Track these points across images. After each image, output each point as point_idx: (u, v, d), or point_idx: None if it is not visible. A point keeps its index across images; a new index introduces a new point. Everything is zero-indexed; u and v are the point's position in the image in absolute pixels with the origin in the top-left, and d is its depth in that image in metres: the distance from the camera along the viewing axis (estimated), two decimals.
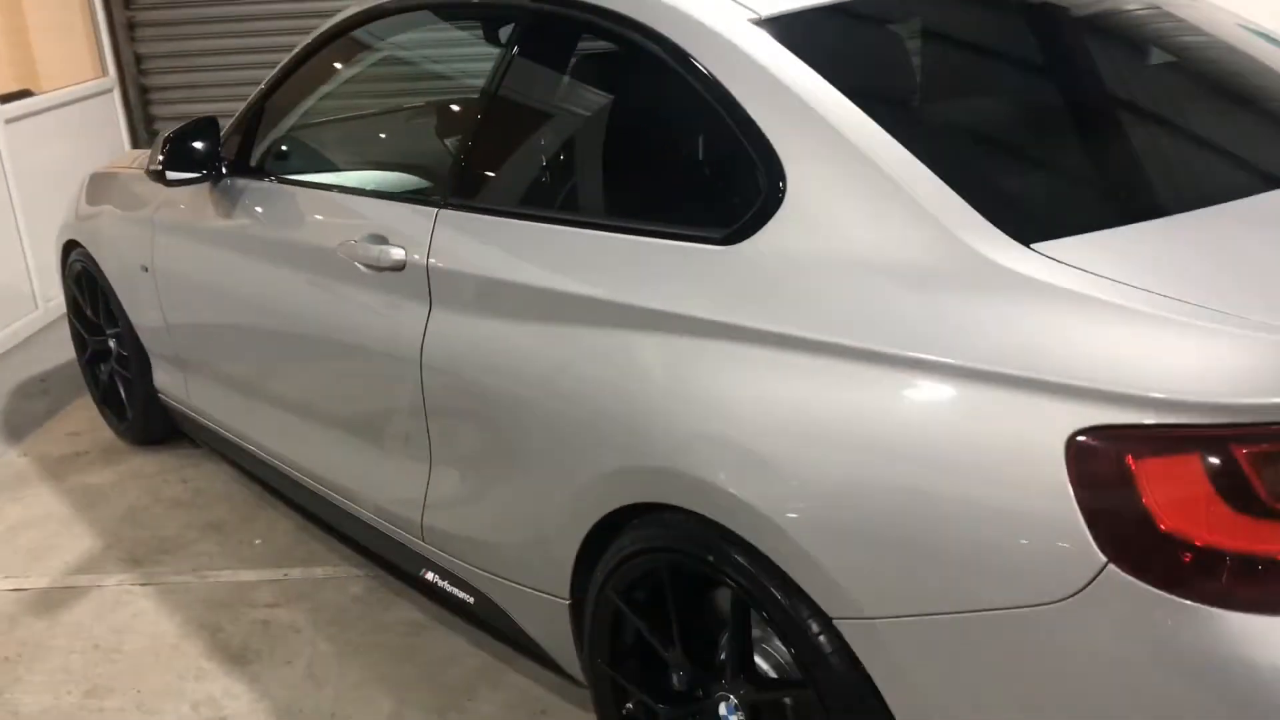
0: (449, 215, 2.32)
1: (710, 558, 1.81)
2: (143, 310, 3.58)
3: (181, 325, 3.37)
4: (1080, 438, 1.41)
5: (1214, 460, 1.35)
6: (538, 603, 2.28)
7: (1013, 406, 1.47)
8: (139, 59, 6.19)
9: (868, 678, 1.64)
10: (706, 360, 1.80)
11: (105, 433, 4.12)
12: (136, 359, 3.75)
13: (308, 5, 6.06)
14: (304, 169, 2.95)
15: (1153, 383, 1.39)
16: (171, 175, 2.95)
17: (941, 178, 1.67)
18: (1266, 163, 1.90)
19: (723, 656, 1.95)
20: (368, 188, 2.74)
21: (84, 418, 4.27)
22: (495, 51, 2.44)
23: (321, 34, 2.88)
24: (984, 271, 1.57)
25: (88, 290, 3.94)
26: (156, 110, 6.30)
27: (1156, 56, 2.19)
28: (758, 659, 1.91)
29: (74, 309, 4.11)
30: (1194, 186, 1.82)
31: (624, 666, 2.10)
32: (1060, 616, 1.42)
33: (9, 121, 5.15)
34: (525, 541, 2.25)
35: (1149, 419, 1.38)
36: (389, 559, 2.78)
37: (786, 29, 1.94)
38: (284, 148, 2.99)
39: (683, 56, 1.96)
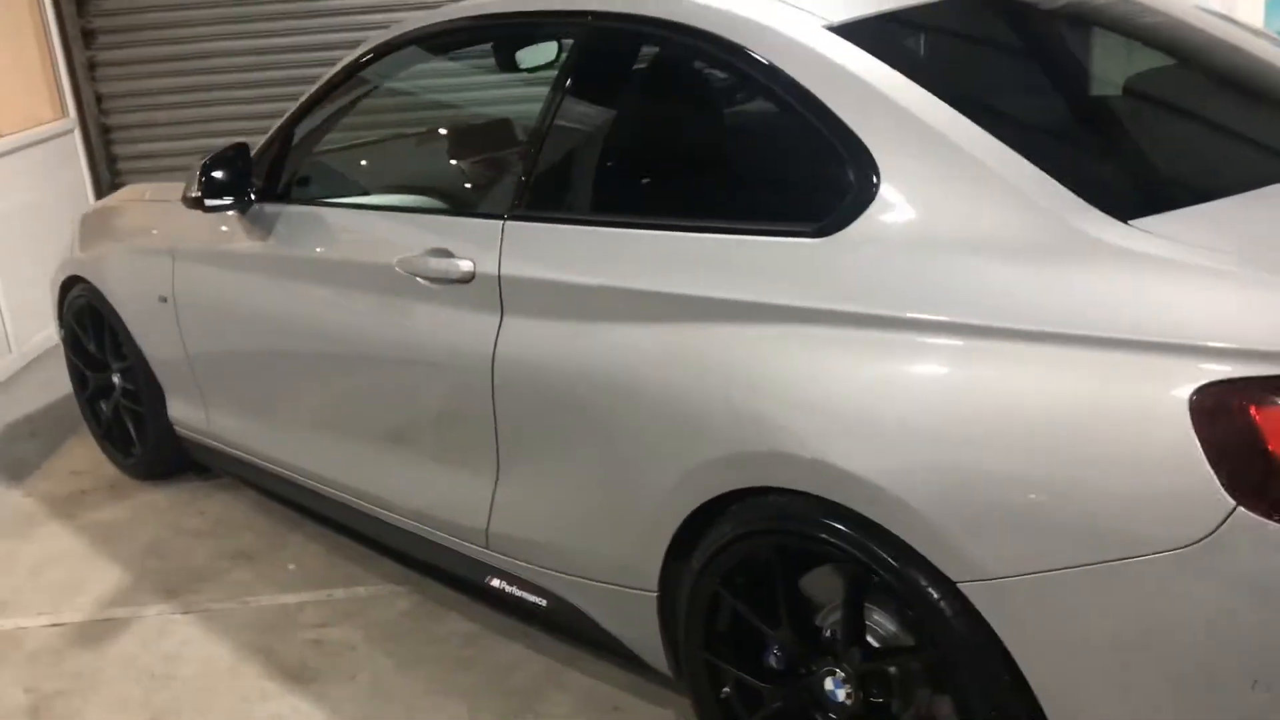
0: (518, 226, 2.39)
1: (822, 535, 1.90)
2: (158, 342, 3.58)
3: (206, 354, 3.38)
4: (1203, 392, 1.53)
5: None
6: (622, 598, 2.34)
7: (1134, 369, 1.59)
8: (100, 98, 6.15)
9: (993, 638, 1.74)
10: (808, 346, 1.90)
11: (108, 470, 4.09)
12: (148, 392, 3.73)
13: (267, 41, 6.08)
14: (343, 192, 3.00)
15: (1266, 337, 1.52)
16: (210, 203, 2.97)
17: (1034, 163, 1.79)
18: None
19: (829, 633, 2.03)
20: (415, 206, 2.79)
21: (83, 456, 4.22)
22: (520, 72, 2.54)
23: (354, 60, 2.94)
24: (1089, 247, 1.69)
25: (92, 326, 3.91)
26: (118, 149, 6.25)
27: (1198, 54, 2.36)
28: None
29: (74, 346, 4.07)
30: (1255, 167, 1.97)
31: (721, 652, 2.17)
32: (1193, 560, 1.54)
33: None
34: (609, 539, 2.32)
35: (1267, 371, 1.51)
36: (447, 569, 2.82)
37: (858, 33, 2.05)
38: (321, 172, 3.03)
39: (763, 65, 2.07)
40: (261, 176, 3.09)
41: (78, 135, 6.13)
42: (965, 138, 1.85)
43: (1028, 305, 1.70)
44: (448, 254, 2.51)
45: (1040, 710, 1.74)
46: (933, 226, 1.85)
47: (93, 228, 3.94)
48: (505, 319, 2.40)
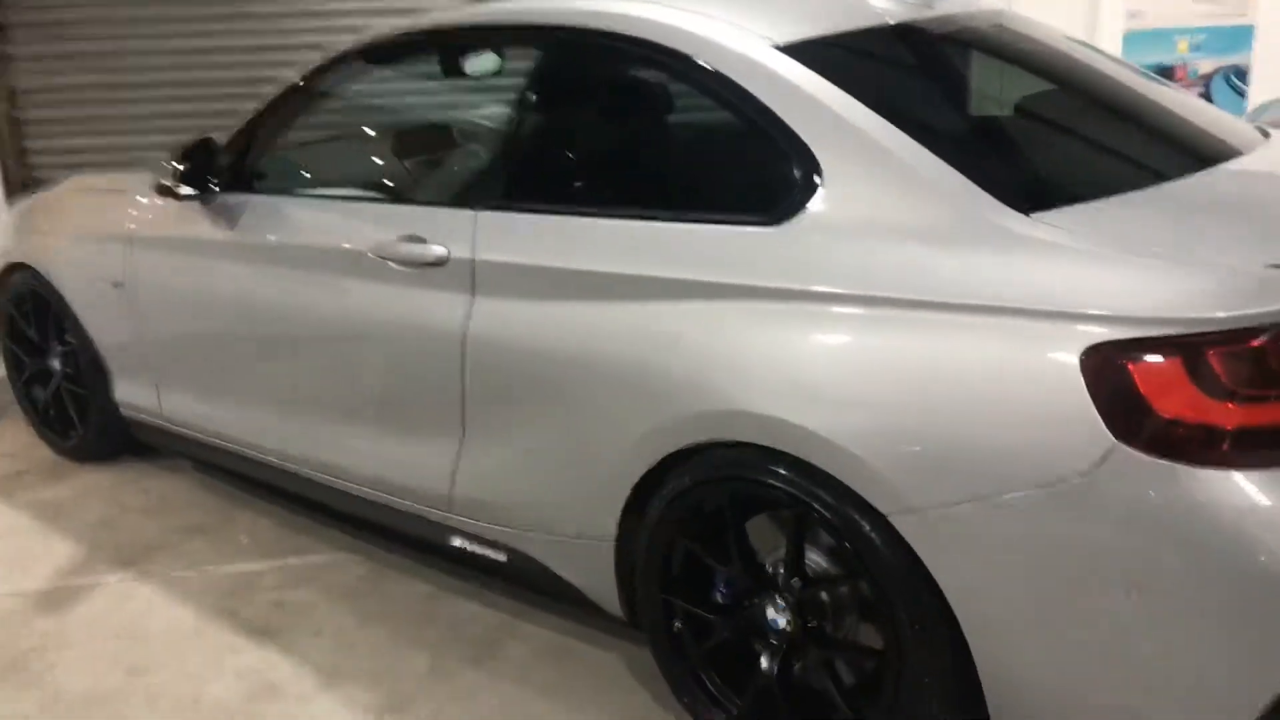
0: (491, 216, 2.66)
1: (770, 480, 2.22)
2: (109, 326, 3.72)
3: (162, 337, 3.54)
4: (1090, 352, 1.90)
5: (1187, 359, 1.86)
6: (581, 549, 2.62)
7: (1034, 333, 1.95)
8: (13, 93, 6.16)
9: (917, 564, 2.07)
10: (759, 318, 2.22)
11: (42, 452, 4.19)
12: (93, 375, 3.87)
13: (186, 42, 6.18)
14: (309, 186, 3.22)
15: (1139, 307, 1.89)
16: (183, 190, 3.16)
17: (952, 165, 2.15)
18: (1177, 153, 2.49)
19: (770, 569, 2.35)
20: (383, 198, 3.04)
21: (13, 439, 4.31)
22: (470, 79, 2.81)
23: (323, 62, 3.17)
24: (997, 234, 2.06)
25: (34, 312, 4.02)
26: (31, 144, 6.27)
27: (1086, 77, 2.79)
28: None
29: (11, 332, 4.17)
30: (1130, 174, 2.37)
31: (674, 591, 2.47)
32: (1082, 486, 1.89)
33: None
34: (570, 495, 2.59)
35: (1140, 333, 1.88)
36: (409, 532, 3.06)
37: (802, 53, 2.39)
38: (288, 166, 3.24)
39: (722, 78, 2.39)
40: (228, 168, 3.28)
41: None
42: (894, 143, 2.20)
43: (946, 282, 2.05)
44: (420, 240, 2.76)
45: (958, 626, 2.08)
46: (866, 217, 2.19)
47: (36, 217, 4.06)
48: (478, 299, 2.67)
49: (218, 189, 3.29)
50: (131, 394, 3.77)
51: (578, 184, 2.73)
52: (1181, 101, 2.82)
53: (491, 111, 3.53)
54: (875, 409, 2.07)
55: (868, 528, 2.12)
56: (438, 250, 2.72)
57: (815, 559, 2.32)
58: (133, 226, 3.57)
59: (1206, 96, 7.08)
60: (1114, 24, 6.91)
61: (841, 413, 2.09)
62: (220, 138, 3.33)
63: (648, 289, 2.38)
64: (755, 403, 2.19)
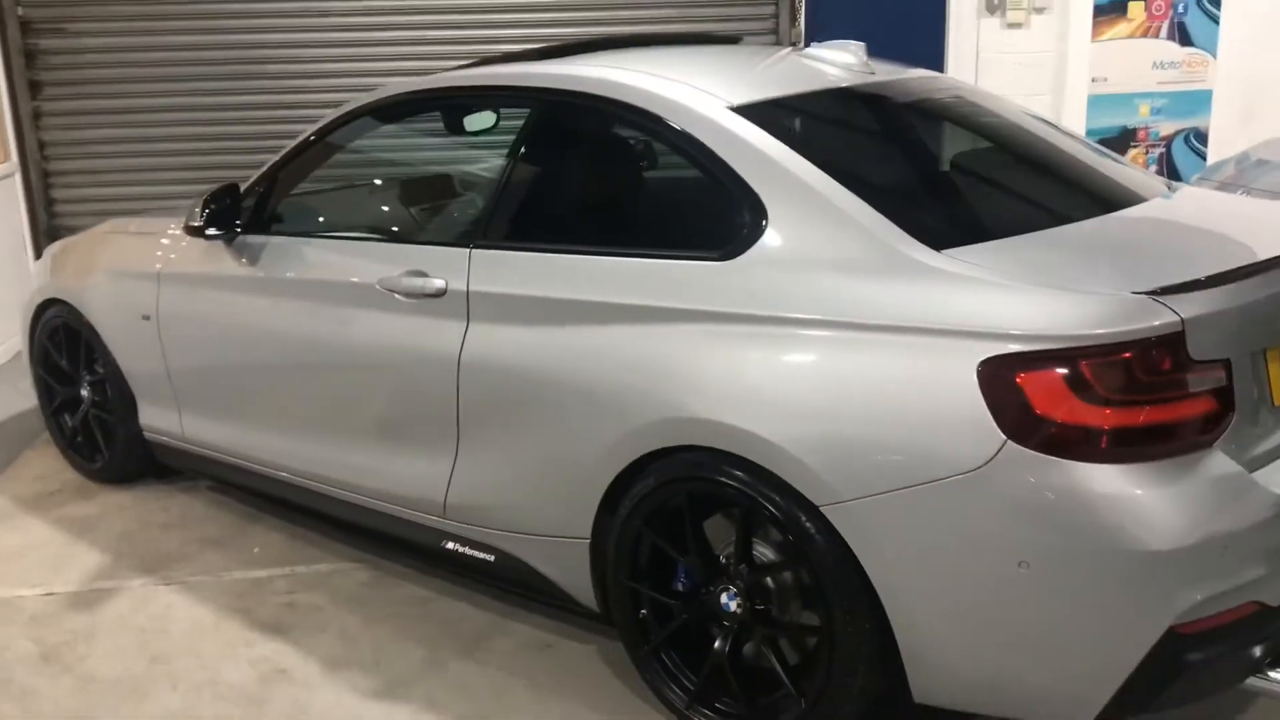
0: (484, 253, 3.03)
1: (723, 479, 2.56)
2: (136, 356, 4.08)
3: (186, 365, 3.90)
4: (985, 364, 2.25)
5: (1066, 370, 2.21)
6: (560, 547, 2.96)
7: (940, 348, 2.30)
8: (42, 145, 6.57)
9: (847, 550, 2.41)
10: (714, 338, 2.58)
11: (71, 474, 4.52)
12: (120, 402, 4.21)
13: (203, 100, 6.60)
14: (323, 228, 3.59)
15: (1026, 326, 2.25)
16: (210, 231, 3.54)
17: (876, 210, 2.52)
18: (1082, 201, 2.87)
19: (724, 560, 2.69)
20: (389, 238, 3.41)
21: (46, 463, 4.64)
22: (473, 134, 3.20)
23: (338, 116, 3.56)
24: (912, 267, 2.42)
25: (65, 343, 4.38)
26: (57, 194, 6.67)
27: (1005, 135, 3.17)
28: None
29: (44, 363, 4.52)
30: (1034, 217, 2.74)
31: (640, 580, 2.80)
32: (979, 478, 2.24)
33: None
34: (551, 498, 2.93)
35: (1024, 348, 2.23)
36: (406, 538, 3.39)
37: (753, 112, 2.78)
38: (304, 210, 3.62)
39: (681, 133, 2.78)
40: (250, 211, 3.66)
41: (18, 179, 6.54)
42: (829, 191, 2.57)
43: (869, 306, 2.41)
44: (423, 274, 3.13)
45: (882, 607, 2.41)
46: (804, 253, 2.56)
47: (71, 257, 4.43)
48: (471, 326, 3.03)
49: (240, 230, 3.66)
50: (155, 418, 4.11)
51: (560, 225, 3.10)
52: (1100, 160, 3.20)
53: (486, 162, 3.93)
54: (808, 414, 2.42)
55: (805, 520, 2.46)
56: (437, 283, 3.08)
57: (762, 551, 2.66)
58: (161, 265, 3.94)
59: (1168, 157, 7.51)
60: (1079, 88, 7.34)
61: (779, 417, 2.44)
62: (243, 184, 3.71)
63: (617, 314, 2.74)
64: (706, 410, 2.55)
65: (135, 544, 3.94)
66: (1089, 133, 7.39)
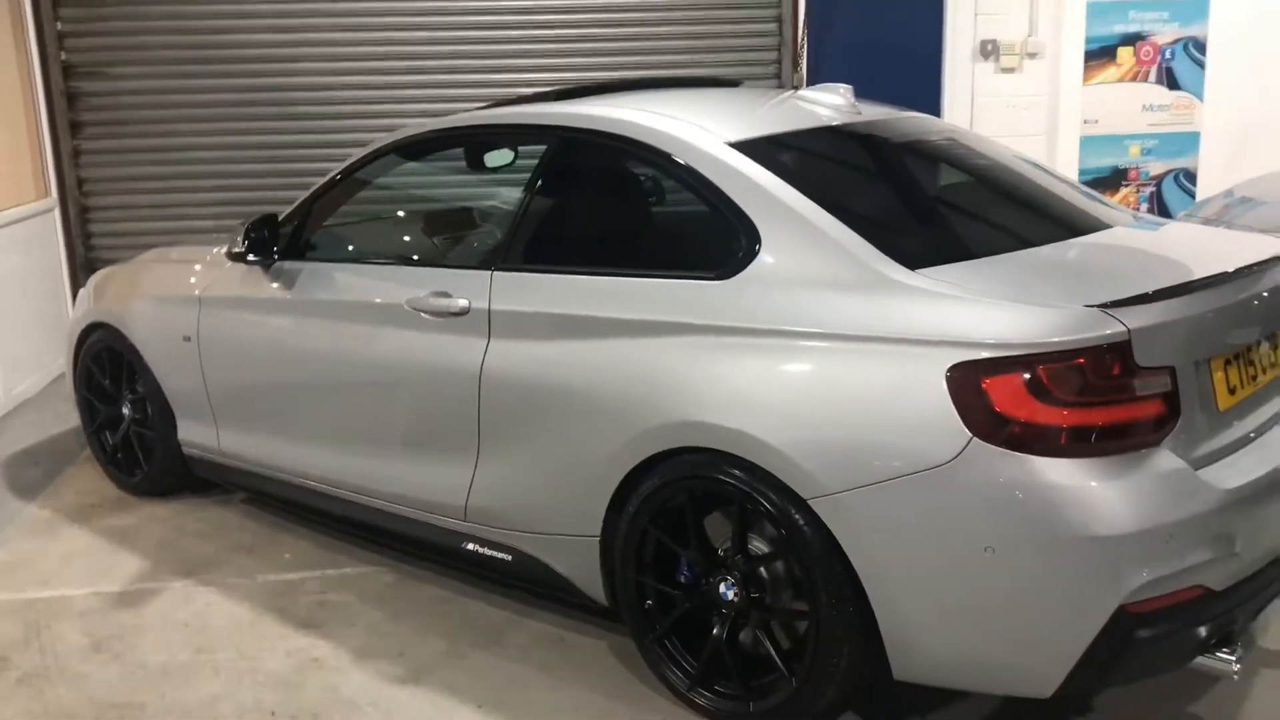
0: (503, 275, 3.32)
1: (721, 477, 2.82)
2: (177, 375, 4.37)
3: (224, 383, 4.18)
4: (953, 369, 2.52)
5: (1026, 375, 2.48)
6: (572, 544, 3.22)
7: (914, 356, 2.57)
8: (81, 182, 6.92)
9: (832, 541, 2.67)
10: (713, 349, 2.85)
11: (111, 489, 4.80)
12: (160, 419, 4.50)
13: (235, 139, 6.95)
14: (354, 255, 3.89)
15: (989, 336, 2.52)
16: (251, 257, 3.85)
17: (858, 234, 2.80)
18: (1049, 227, 3.16)
19: (722, 552, 2.94)
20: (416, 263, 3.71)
21: (86, 479, 4.93)
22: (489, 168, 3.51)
23: (368, 152, 3.87)
24: (890, 284, 2.70)
25: (109, 365, 4.68)
26: (94, 228, 7.00)
27: (980, 168, 3.46)
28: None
29: (87, 383, 4.82)
30: (1002, 241, 3.02)
31: (646, 573, 3.06)
32: (948, 471, 2.50)
33: None
34: (565, 499, 3.19)
35: (988, 355, 2.51)
36: (429, 540, 3.65)
37: (749, 148, 3.07)
38: (337, 238, 3.93)
39: (684, 166, 3.08)
40: (287, 239, 3.96)
41: (57, 214, 6.87)
42: (815, 217, 2.86)
43: (851, 319, 2.69)
44: (447, 295, 3.42)
45: (863, 590, 2.66)
46: (794, 272, 2.84)
47: (113, 285, 4.74)
48: (492, 341, 3.31)
49: (278, 257, 3.96)
50: (194, 434, 4.39)
51: (574, 249, 3.40)
52: (1070, 192, 3.49)
53: (502, 196, 4.24)
54: (798, 416, 2.69)
55: (795, 513, 2.72)
56: (461, 302, 3.37)
57: (757, 544, 2.91)
58: (201, 289, 4.24)
59: (1158, 196, 7.80)
60: (1071, 130, 7.64)
61: (772, 419, 2.71)
62: (280, 214, 4.02)
63: (625, 329, 3.02)
64: (707, 414, 2.82)
65: (174, 550, 4.21)
66: (1082, 172, 7.70)
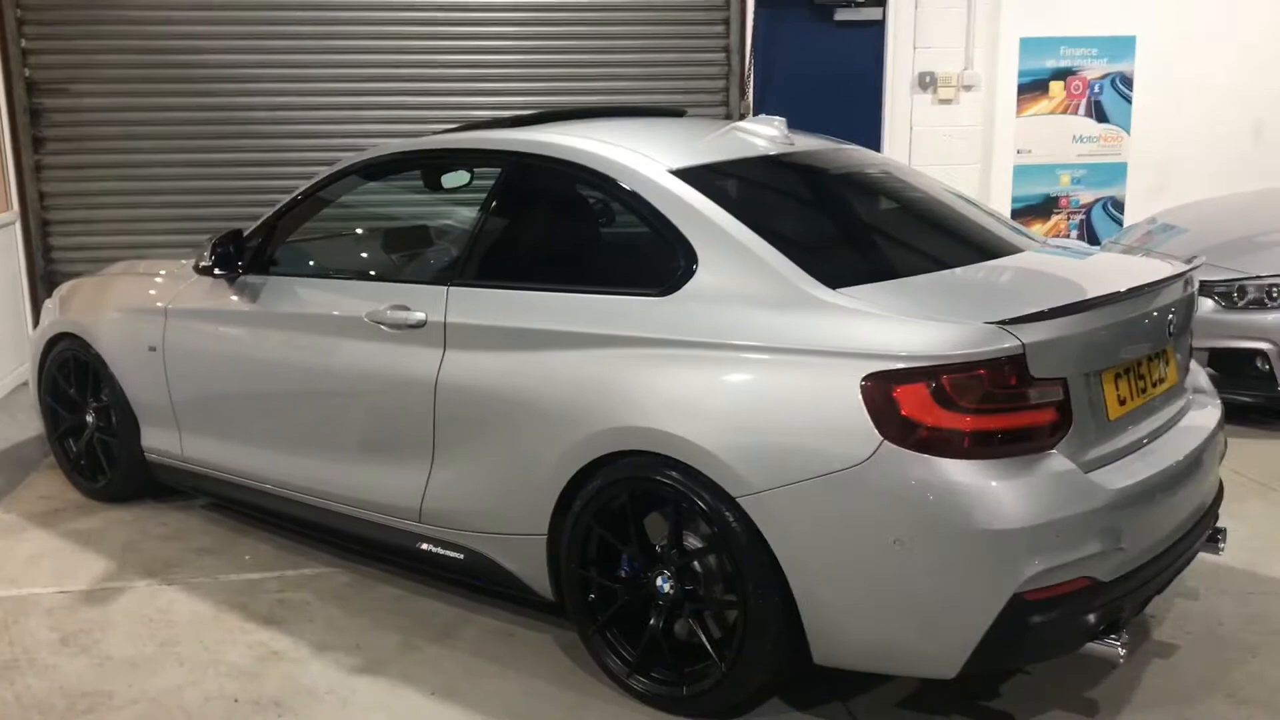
0: (459, 290, 3.55)
1: (659, 478, 3.06)
2: (142, 384, 4.54)
3: (187, 392, 4.37)
4: (867, 379, 2.78)
5: (931, 384, 2.74)
6: (521, 543, 3.44)
7: (832, 367, 2.83)
8: (42, 196, 7.05)
9: (759, 536, 2.91)
10: (652, 360, 3.10)
11: (74, 495, 4.95)
12: (125, 426, 4.66)
13: (197, 156, 7.12)
14: (316, 270, 4.10)
15: (899, 349, 2.79)
16: (218, 271, 4.05)
17: (785, 255, 3.07)
18: (962, 251, 3.44)
19: (659, 549, 3.18)
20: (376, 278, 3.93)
21: (49, 484, 5.07)
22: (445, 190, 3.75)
23: (331, 173, 4.08)
24: (812, 302, 2.96)
25: (74, 374, 4.84)
26: (54, 241, 7.14)
27: (901, 196, 3.74)
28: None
29: (52, 392, 4.97)
30: (918, 263, 3.30)
31: (589, 569, 3.29)
32: (862, 471, 2.76)
33: None
34: (515, 500, 3.41)
35: (898, 366, 2.77)
36: (386, 541, 3.85)
37: (689, 175, 3.33)
38: (300, 254, 4.13)
39: (628, 191, 3.33)
40: (252, 254, 4.16)
41: (18, 228, 7.00)
42: (748, 240, 3.12)
43: (777, 333, 2.95)
44: (405, 308, 3.64)
45: (786, 582, 2.91)
46: (727, 290, 3.09)
47: (80, 296, 4.91)
48: (447, 352, 3.53)
49: (242, 270, 4.16)
50: (158, 440, 4.56)
51: (526, 266, 3.64)
52: (985, 219, 3.77)
53: (457, 215, 4.48)
54: (728, 421, 2.94)
55: (725, 510, 2.96)
56: (418, 315, 3.60)
57: (691, 541, 3.15)
58: (167, 301, 4.42)
59: (1088, 223, 8.17)
60: (1005, 159, 8.00)
61: (705, 424, 2.96)
62: (246, 230, 4.22)
63: (572, 341, 3.26)
64: (646, 420, 3.06)
65: (138, 552, 4.37)
66: (1014, 200, 8.06)
